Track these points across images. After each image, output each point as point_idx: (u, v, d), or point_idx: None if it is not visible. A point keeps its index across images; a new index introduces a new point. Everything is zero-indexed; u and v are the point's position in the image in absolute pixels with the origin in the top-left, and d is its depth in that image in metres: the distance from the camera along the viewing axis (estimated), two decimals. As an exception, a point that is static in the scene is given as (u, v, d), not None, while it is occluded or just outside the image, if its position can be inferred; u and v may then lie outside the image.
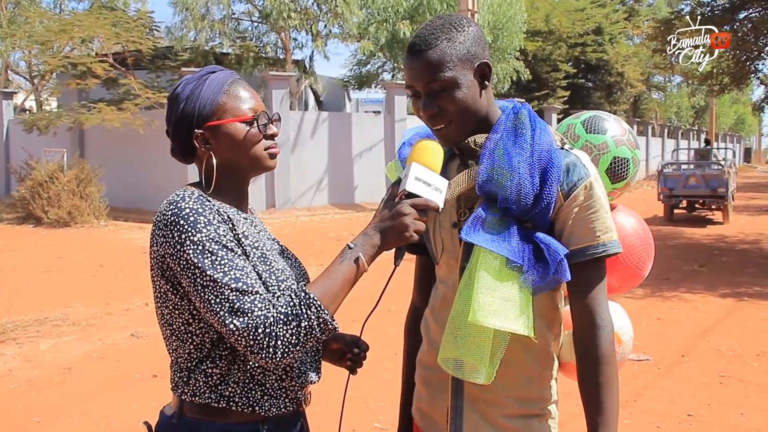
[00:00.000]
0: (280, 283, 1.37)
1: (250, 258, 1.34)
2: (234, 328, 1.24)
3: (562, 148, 1.43)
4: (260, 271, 1.34)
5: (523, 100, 1.51)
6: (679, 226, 14.02)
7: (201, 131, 1.40)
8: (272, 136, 1.45)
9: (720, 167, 14.57)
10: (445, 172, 1.43)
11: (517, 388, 1.45)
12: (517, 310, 1.33)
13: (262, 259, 1.37)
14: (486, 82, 1.42)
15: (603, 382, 1.38)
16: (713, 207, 14.79)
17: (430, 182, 1.34)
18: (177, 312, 1.35)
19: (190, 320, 1.35)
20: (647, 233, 1.83)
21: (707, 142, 22.78)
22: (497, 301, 1.32)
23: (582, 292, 1.40)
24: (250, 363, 1.37)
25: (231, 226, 1.34)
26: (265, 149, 1.43)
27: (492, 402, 1.44)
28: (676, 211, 15.05)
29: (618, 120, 1.85)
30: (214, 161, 1.40)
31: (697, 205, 15.05)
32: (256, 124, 1.42)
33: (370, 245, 1.32)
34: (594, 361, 1.39)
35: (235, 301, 1.25)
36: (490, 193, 1.39)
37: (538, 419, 1.48)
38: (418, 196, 1.32)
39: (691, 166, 15.48)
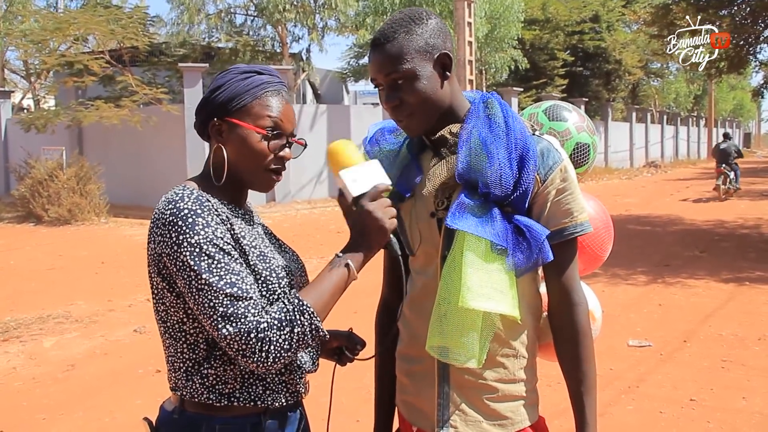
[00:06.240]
0: (280, 281, 1.37)
1: (249, 257, 1.34)
2: (226, 333, 1.23)
3: (533, 134, 1.45)
4: (260, 269, 1.34)
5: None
6: None
7: (219, 122, 1.39)
8: (282, 159, 1.42)
9: None
10: (419, 165, 1.48)
11: (504, 372, 1.46)
12: (503, 292, 1.36)
13: (261, 257, 1.36)
14: (447, 73, 1.43)
15: (583, 355, 1.45)
16: None
17: (364, 173, 1.35)
18: (172, 310, 1.35)
19: (185, 319, 1.34)
20: (607, 216, 1.90)
21: None
22: (485, 285, 1.34)
23: (558, 271, 1.45)
24: None
25: (229, 226, 1.33)
26: (268, 169, 1.40)
27: (479, 387, 1.45)
28: None
29: (576, 108, 1.94)
30: (225, 154, 1.38)
31: None
32: (269, 141, 1.39)
33: (356, 253, 1.33)
34: (573, 337, 1.45)
35: (229, 306, 1.24)
36: (470, 180, 1.40)
37: (525, 402, 1.49)
38: (366, 193, 1.33)
39: None
